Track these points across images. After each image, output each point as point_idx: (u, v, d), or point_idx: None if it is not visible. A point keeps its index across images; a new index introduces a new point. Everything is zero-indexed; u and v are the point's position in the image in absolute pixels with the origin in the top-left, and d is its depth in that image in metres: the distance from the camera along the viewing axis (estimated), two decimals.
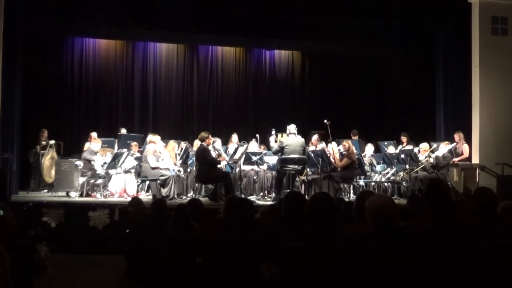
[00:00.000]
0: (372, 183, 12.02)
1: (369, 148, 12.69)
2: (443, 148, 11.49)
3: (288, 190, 9.85)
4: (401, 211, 4.20)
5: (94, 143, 11.51)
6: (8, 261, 4.10)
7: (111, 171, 11.25)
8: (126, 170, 11.44)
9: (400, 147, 12.52)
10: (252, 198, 10.99)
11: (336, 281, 3.72)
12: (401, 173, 11.69)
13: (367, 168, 12.06)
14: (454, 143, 11.93)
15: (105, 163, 11.33)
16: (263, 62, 16.37)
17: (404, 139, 12.94)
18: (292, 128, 10.87)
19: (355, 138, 13.63)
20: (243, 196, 10.60)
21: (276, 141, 11.33)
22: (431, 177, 10.30)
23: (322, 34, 13.84)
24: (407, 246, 3.76)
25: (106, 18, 12.76)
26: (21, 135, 12.00)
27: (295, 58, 16.60)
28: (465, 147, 11.84)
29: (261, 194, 11.58)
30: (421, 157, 11.50)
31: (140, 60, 15.51)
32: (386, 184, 11.99)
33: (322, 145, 12.03)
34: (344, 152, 11.39)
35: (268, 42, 15.12)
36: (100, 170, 11.19)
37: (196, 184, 11.40)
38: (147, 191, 11.70)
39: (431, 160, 11.31)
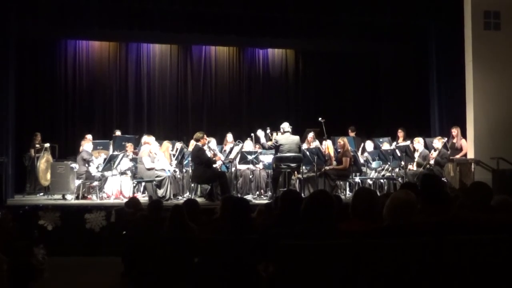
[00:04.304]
0: (368, 180, 12.03)
1: (369, 145, 12.65)
2: (437, 143, 11.53)
3: (285, 189, 9.87)
4: None
5: (86, 144, 11.49)
6: (5, 265, 4.10)
7: (106, 173, 11.24)
8: (121, 171, 11.42)
9: (394, 143, 12.51)
10: (248, 197, 10.99)
11: (333, 278, 3.73)
12: (396, 170, 11.70)
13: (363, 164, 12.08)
14: (445, 138, 11.97)
15: (99, 164, 11.34)
16: (257, 61, 16.37)
17: (400, 134, 12.94)
18: (286, 126, 10.85)
19: (352, 134, 13.63)
20: (239, 195, 10.61)
21: (270, 139, 11.33)
22: (425, 173, 10.35)
23: (314, 32, 13.90)
24: (404, 242, 3.77)
25: (98, 20, 12.81)
26: (15, 138, 11.95)
27: (288, 56, 16.59)
28: (464, 142, 11.88)
29: (257, 193, 11.59)
30: (418, 146, 11.62)
31: (134, 61, 15.49)
32: (382, 180, 12.01)
33: (316, 143, 12.02)
34: (339, 150, 11.40)
35: (261, 41, 15.13)
36: (95, 172, 11.18)
37: (192, 184, 11.39)
38: (143, 192, 11.69)
39: (432, 162, 11.34)
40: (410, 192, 4.14)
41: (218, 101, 16.07)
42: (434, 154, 11.42)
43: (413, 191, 4.23)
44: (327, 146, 11.57)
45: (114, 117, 15.26)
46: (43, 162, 11.92)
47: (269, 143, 11.12)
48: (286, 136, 10.75)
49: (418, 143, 11.76)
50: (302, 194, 9.16)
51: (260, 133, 11.48)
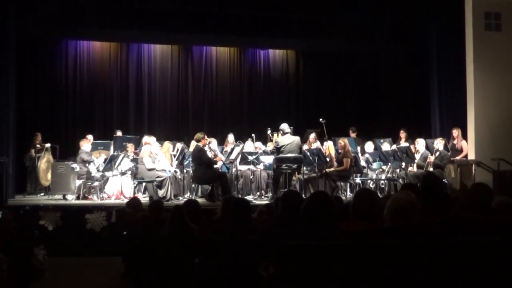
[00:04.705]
0: (369, 181, 12.02)
1: (369, 146, 12.64)
2: (438, 144, 11.52)
3: (285, 189, 9.86)
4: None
5: (85, 144, 11.48)
6: (5, 265, 4.10)
7: (107, 174, 11.24)
8: (122, 172, 11.42)
9: (394, 145, 12.48)
10: (249, 198, 10.98)
11: (334, 278, 3.73)
12: (397, 170, 11.69)
13: (363, 165, 12.07)
14: (445, 139, 11.99)
15: (99, 164, 11.34)
16: (258, 61, 16.35)
17: (403, 134, 12.94)
18: (285, 127, 10.81)
19: (353, 135, 13.61)
20: (239, 196, 10.61)
21: (271, 140, 11.33)
22: (426, 174, 10.34)
23: (315, 32, 13.91)
24: (404, 243, 3.77)
25: (99, 20, 12.82)
26: (16, 139, 11.95)
27: (289, 57, 16.57)
28: (464, 144, 11.89)
29: (258, 193, 11.59)
30: (420, 147, 11.62)
31: (134, 61, 15.48)
32: (382, 181, 11.99)
33: (317, 144, 12.02)
34: (340, 151, 11.40)
35: (262, 41, 15.12)
36: (95, 173, 11.19)
37: (193, 185, 11.39)
38: (144, 192, 11.69)
39: (431, 169, 11.33)
40: (411, 193, 4.14)
41: (219, 102, 16.05)
42: (432, 158, 11.40)
43: (414, 192, 4.24)
44: (328, 147, 11.57)
45: (114, 117, 15.24)
46: (44, 162, 11.92)
47: (270, 145, 11.10)
48: (286, 137, 10.73)
49: (420, 144, 11.76)
50: (303, 195, 9.16)
51: (258, 144, 11.46)
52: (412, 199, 4.01)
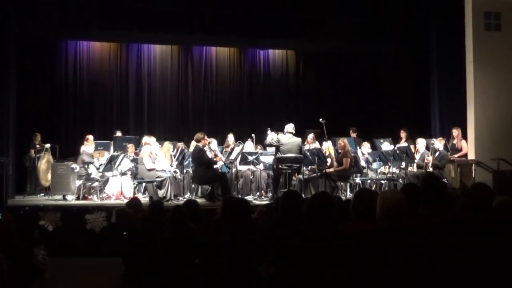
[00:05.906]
0: (369, 181, 12.01)
1: (366, 147, 12.63)
2: (438, 144, 11.53)
3: (285, 189, 9.86)
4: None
5: (87, 146, 11.48)
6: (5, 265, 4.09)
7: (107, 174, 11.24)
8: (122, 172, 11.42)
9: (392, 146, 12.47)
10: (249, 198, 10.97)
11: (334, 279, 3.73)
12: (394, 169, 11.68)
13: (363, 165, 12.06)
14: (445, 139, 11.99)
15: (101, 165, 11.33)
16: (257, 62, 16.35)
17: (403, 134, 12.93)
18: (289, 127, 10.85)
19: (354, 135, 13.61)
20: (239, 196, 10.60)
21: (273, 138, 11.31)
22: (426, 173, 10.35)
23: (315, 33, 13.88)
24: (405, 243, 3.77)
25: (99, 21, 12.81)
26: (16, 139, 11.95)
27: (289, 57, 16.57)
28: (464, 143, 11.90)
29: (258, 194, 11.58)
30: (420, 147, 11.63)
31: (134, 62, 15.48)
32: (382, 181, 11.99)
33: (316, 144, 12.01)
34: (340, 151, 11.40)
35: (262, 41, 15.12)
36: (95, 174, 11.18)
37: (193, 185, 11.39)
38: (144, 193, 11.68)
39: (431, 169, 11.32)
40: (397, 190, 4.16)
41: (219, 102, 16.05)
42: (429, 158, 11.40)
43: (415, 192, 4.24)
44: (327, 147, 11.57)
45: (114, 118, 15.25)
46: (44, 163, 11.92)
47: (269, 140, 11.08)
48: (288, 137, 10.75)
49: (420, 144, 11.77)
50: (303, 195, 9.16)
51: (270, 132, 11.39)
52: (400, 196, 4.01)
